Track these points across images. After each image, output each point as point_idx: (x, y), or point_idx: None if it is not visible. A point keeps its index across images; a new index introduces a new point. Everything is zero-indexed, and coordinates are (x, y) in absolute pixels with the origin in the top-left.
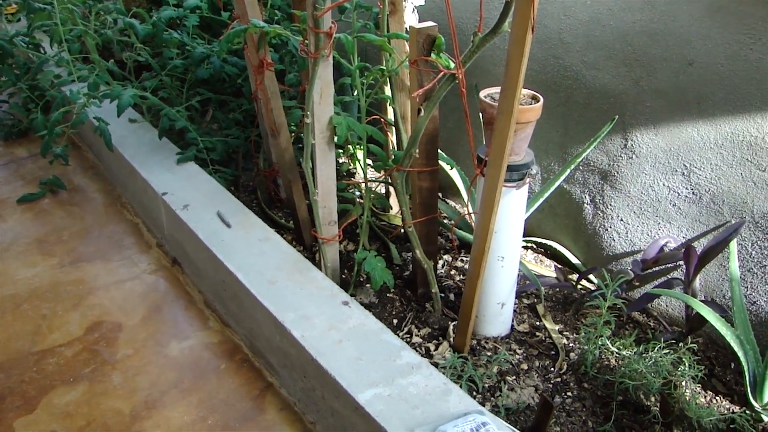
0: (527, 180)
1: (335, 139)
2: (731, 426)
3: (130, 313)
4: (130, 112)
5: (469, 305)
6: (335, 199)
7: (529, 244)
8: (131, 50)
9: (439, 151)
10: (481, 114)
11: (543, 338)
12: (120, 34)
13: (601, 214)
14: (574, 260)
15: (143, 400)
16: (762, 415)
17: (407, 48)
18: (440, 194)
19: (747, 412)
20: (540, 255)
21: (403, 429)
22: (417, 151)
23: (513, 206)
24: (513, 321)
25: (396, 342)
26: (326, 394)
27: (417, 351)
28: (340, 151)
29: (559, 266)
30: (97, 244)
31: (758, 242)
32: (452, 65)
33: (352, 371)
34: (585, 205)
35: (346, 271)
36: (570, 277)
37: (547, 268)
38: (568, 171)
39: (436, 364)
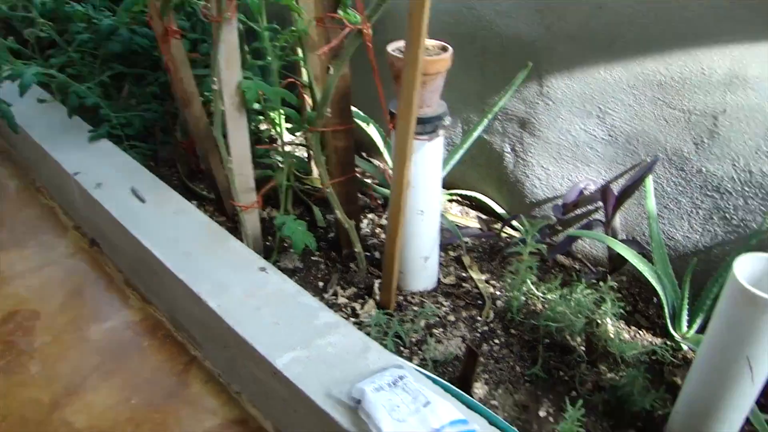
0: (440, 132)
1: (245, 104)
2: (653, 357)
3: (48, 299)
4: (38, 92)
5: (391, 261)
6: (251, 165)
7: (454, 197)
8: (33, 26)
9: (355, 109)
10: (390, 68)
11: (470, 289)
12: (24, 9)
13: (522, 162)
14: (499, 210)
15: (63, 387)
16: (681, 344)
17: None
18: (363, 153)
19: (668, 342)
20: (466, 207)
21: (321, 390)
22: (329, 110)
23: (428, 159)
24: (439, 274)
25: (314, 303)
26: (246, 362)
27: (343, 311)
28: (261, 117)
29: (483, 216)
30: (12, 231)
31: (672, 179)
32: (359, 20)
33: (269, 336)
34: (505, 154)
35: (270, 237)
36: (494, 226)
37: (472, 220)
38: (486, 121)
39: (361, 323)
